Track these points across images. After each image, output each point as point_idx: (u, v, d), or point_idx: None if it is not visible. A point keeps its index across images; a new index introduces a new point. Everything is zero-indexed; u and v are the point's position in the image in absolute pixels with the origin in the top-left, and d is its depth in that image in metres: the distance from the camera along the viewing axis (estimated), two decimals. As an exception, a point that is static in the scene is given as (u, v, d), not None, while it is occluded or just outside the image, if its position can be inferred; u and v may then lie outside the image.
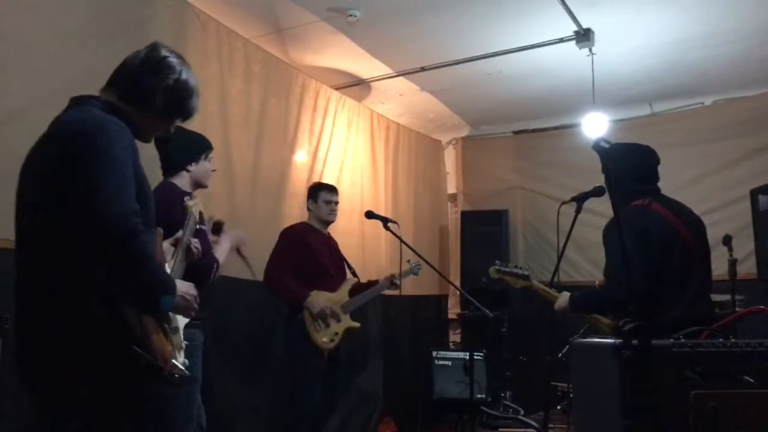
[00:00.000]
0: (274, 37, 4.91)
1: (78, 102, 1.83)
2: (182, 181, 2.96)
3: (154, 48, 1.91)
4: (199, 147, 3.04)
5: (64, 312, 1.62)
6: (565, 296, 3.01)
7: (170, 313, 1.86)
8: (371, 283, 4.43)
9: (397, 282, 4.37)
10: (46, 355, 1.64)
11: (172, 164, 3.00)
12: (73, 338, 1.61)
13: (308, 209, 4.34)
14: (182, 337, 2.00)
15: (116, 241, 1.59)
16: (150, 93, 1.85)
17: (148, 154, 2.96)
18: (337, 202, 4.32)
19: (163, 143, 2.98)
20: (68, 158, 1.65)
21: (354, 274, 4.37)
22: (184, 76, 1.91)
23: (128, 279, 1.64)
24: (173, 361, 1.74)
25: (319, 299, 4.02)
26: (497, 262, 3.41)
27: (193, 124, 3.48)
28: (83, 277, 1.62)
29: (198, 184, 3.02)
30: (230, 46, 4.36)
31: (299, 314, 3.97)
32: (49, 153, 1.73)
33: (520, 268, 3.36)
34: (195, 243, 2.50)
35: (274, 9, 4.53)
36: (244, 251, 3.18)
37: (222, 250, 2.97)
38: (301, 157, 5.06)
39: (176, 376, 1.73)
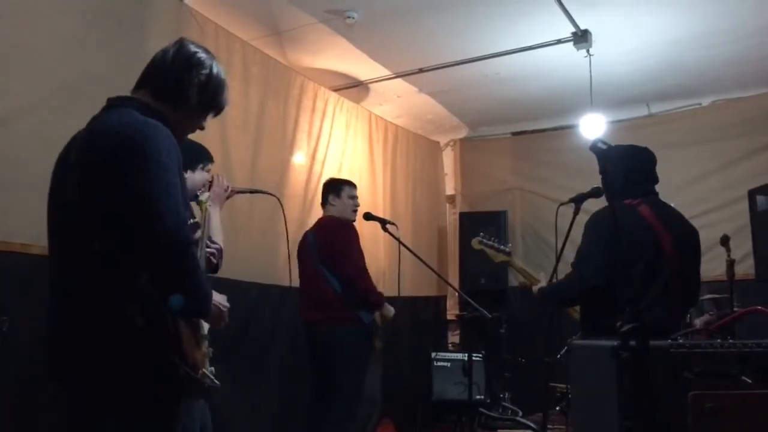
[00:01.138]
0: (272, 39, 4.91)
1: (116, 103, 1.79)
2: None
3: (182, 45, 1.88)
4: (198, 156, 2.94)
5: (103, 319, 1.59)
6: (541, 285, 3.07)
7: (202, 321, 1.86)
8: None
9: None
10: (83, 362, 1.61)
11: None
12: (112, 345, 1.58)
13: (330, 204, 4.22)
14: (208, 344, 2.02)
15: (171, 253, 1.55)
16: (184, 90, 1.83)
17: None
18: (357, 198, 4.31)
19: None
20: (117, 164, 1.60)
21: None
22: (215, 69, 1.90)
23: (176, 289, 1.58)
24: (203, 369, 1.74)
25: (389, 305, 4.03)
26: (481, 234, 3.41)
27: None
28: (124, 285, 1.58)
29: (197, 190, 2.98)
30: (228, 49, 4.36)
31: (368, 315, 3.93)
32: (93, 156, 1.66)
33: (503, 243, 3.36)
34: (213, 251, 2.47)
35: (272, 11, 4.53)
36: (239, 187, 3.04)
37: (216, 226, 2.82)
38: (299, 158, 5.06)
39: (207, 384, 1.73)
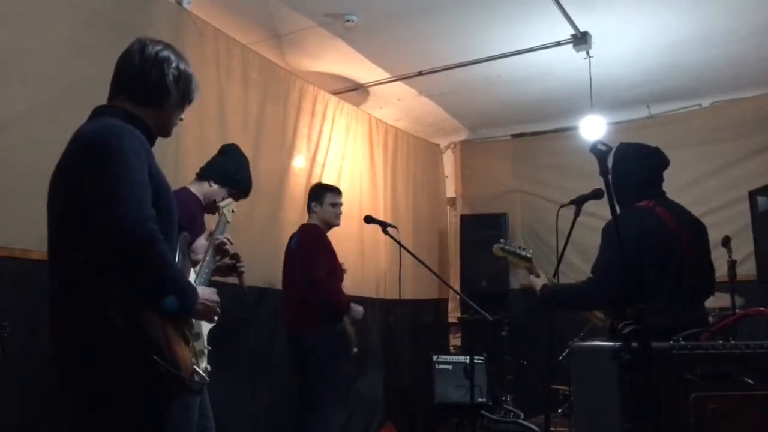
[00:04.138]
0: (271, 43, 4.92)
1: (96, 113, 1.85)
2: (199, 188, 3.02)
3: (143, 46, 1.91)
4: (234, 178, 3.07)
5: (87, 321, 1.64)
6: (542, 280, 3.03)
7: (193, 319, 1.90)
8: None
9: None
10: (73, 364, 1.66)
11: (205, 170, 3.07)
12: (96, 347, 1.63)
13: (312, 211, 4.25)
14: (206, 341, 2.03)
15: (134, 249, 1.59)
16: (163, 88, 1.89)
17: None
18: (341, 205, 4.30)
19: (219, 153, 3.12)
20: (82, 169, 1.68)
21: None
22: (181, 65, 1.96)
23: (148, 286, 1.65)
24: (194, 367, 1.76)
25: (357, 306, 4.03)
26: (502, 240, 3.36)
27: (190, 130, 3.51)
28: (104, 286, 1.63)
29: (205, 203, 3.02)
30: (228, 53, 4.37)
31: (339, 322, 3.92)
32: (66, 166, 1.75)
33: (524, 249, 3.31)
34: (225, 238, 2.51)
35: (271, 15, 4.53)
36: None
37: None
38: (299, 162, 5.06)
39: (197, 381, 1.76)
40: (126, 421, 1.66)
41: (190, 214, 2.69)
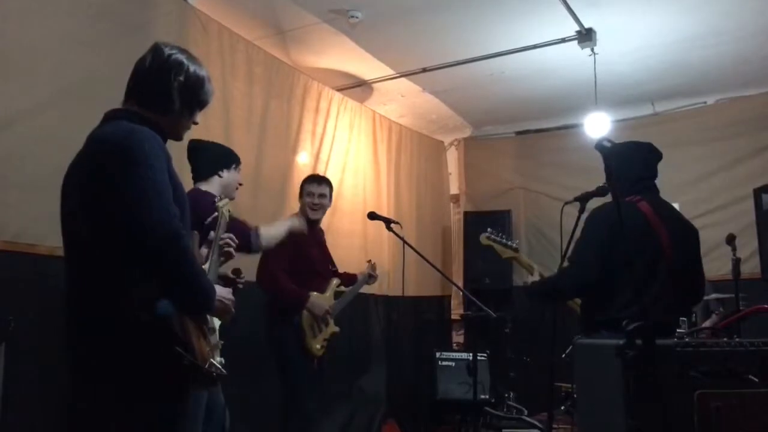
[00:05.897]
0: (275, 39, 4.92)
1: (109, 117, 1.89)
2: (211, 187, 3.08)
3: (156, 50, 1.94)
4: (231, 157, 3.21)
5: (112, 316, 1.68)
6: (534, 278, 3.11)
7: (207, 315, 1.94)
8: (350, 276, 4.31)
9: (375, 275, 4.33)
10: (96, 360, 1.70)
11: (204, 170, 3.13)
12: (121, 341, 1.67)
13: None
14: (218, 336, 2.08)
15: (162, 245, 1.65)
16: (166, 95, 1.90)
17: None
18: (322, 195, 4.03)
19: (195, 151, 3.13)
20: (104, 172, 1.71)
21: (336, 273, 4.21)
22: (192, 68, 1.96)
23: (174, 283, 1.71)
24: (211, 359, 1.83)
25: (320, 301, 3.89)
26: (489, 229, 3.41)
27: (194, 127, 3.50)
28: (128, 282, 1.68)
29: (225, 193, 3.07)
30: (232, 48, 4.37)
31: (295, 318, 3.82)
32: (85, 169, 1.78)
33: (511, 240, 3.37)
34: (228, 239, 2.53)
35: (275, 11, 4.53)
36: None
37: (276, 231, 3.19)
38: (303, 158, 5.06)
39: (214, 374, 1.82)
40: (145, 412, 1.69)
41: (209, 208, 2.71)
